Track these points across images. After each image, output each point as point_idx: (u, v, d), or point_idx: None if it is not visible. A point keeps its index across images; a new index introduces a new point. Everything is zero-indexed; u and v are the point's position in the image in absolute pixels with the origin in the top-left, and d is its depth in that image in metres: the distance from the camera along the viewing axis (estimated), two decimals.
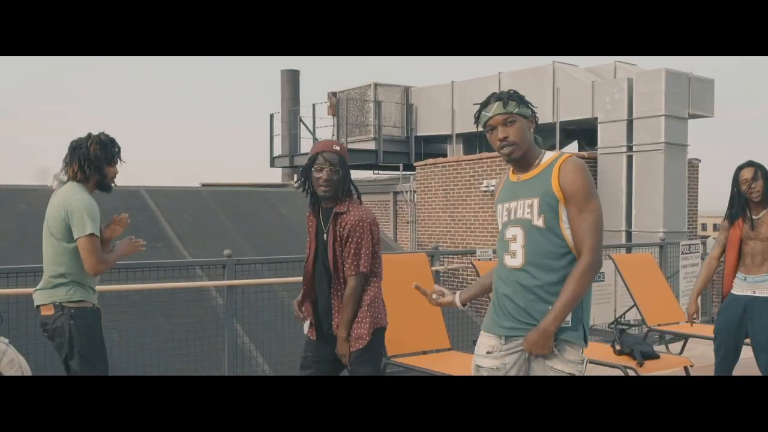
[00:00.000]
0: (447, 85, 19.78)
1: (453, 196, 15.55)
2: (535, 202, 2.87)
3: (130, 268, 5.98)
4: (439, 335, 6.02)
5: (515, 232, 2.93)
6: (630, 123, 15.02)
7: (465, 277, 13.04)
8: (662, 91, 14.45)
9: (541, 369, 2.90)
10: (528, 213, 2.90)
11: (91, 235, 3.78)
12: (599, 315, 8.35)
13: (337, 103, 20.63)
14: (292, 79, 25.75)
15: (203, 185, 19.62)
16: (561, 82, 16.89)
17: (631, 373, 5.36)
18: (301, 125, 22.27)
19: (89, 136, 3.96)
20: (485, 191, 14.57)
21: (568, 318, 2.85)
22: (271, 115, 22.87)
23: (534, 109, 3.02)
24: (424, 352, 5.78)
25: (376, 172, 22.06)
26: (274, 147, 22.80)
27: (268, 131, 22.63)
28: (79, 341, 3.84)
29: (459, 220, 15.51)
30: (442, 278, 7.78)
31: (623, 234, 14.73)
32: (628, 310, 7.93)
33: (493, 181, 14.28)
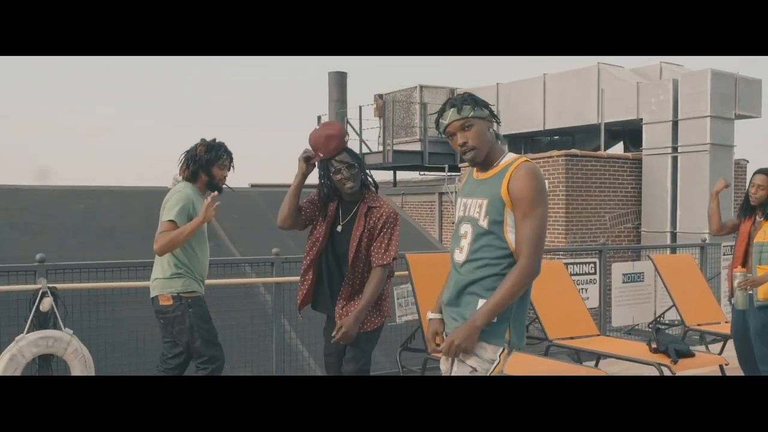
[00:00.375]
0: (492, 87, 19.88)
1: None
2: (485, 203, 2.91)
3: None
4: None
5: (466, 229, 2.97)
6: (675, 124, 14.99)
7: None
8: (708, 92, 14.40)
9: (456, 363, 2.94)
10: (477, 212, 2.94)
11: (169, 221, 4.17)
12: (639, 315, 8.45)
13: (383, 104, 20.87)
14: (339, 81, 26.03)
15: (252, 186, 19.99)
16: (606, 84, 16.90)
17: (665, 370, 5.48)
18: (348, 127, 22.56)
19: (201, 140, 4.39)
20: None
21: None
22: (319, 117, 23.21)
23: (491, 109, 3.04)
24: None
25: (422, 173, 22.25)
26: None
27: None
28: (199, 327, 4.30)
29: None
30: None
31: (668, 235, 14.71)
32: (667, 310, 8.02)
33: None
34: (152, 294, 4.41)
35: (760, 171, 5.18)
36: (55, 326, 5.14)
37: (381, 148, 20.61)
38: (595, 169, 14.44)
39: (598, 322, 7.85)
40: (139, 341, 6.26)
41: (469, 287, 2.92)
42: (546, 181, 14.38)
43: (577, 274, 7.89)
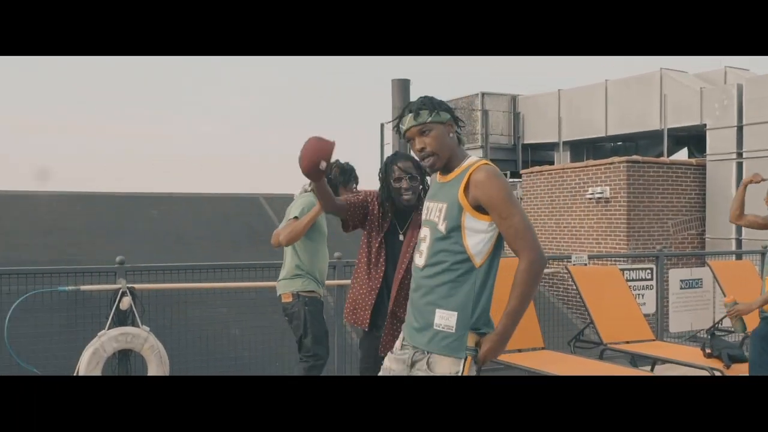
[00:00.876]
0: (554, 94, 19.92)
1: (558, 203, 15.73)
2: (444, 207, 2.87)
3: (247, 268, 6.64)
4: (534, 334, 6.40)
5: (425, 233, 2.94)
6: (740, 129, 14.84)
7: (561, 281, 13.25)
8: None
9: (418, 371, 2.88)
10: (436, 216, 2.89)
11: (294, 218, 4.60)
12: (697, 321, 8.48)
13: None
14: (402, 89, 26.28)
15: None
16: (669, 89, 16.80)
17: (717, 374, 5.60)
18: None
19: (336, 161, 4.81)
20: (590, 198, 14.69)
21: (452, 323, 2.82)
22: (382, 125, 23.51)
23: (453, 113, 2.99)
24: (519, 350, 6.16)
25: None
26: (384, 155, 23.42)
27: (378, 139, 23.27)
28: (311, 324, 4.73)
29: (564, 227, 15.67)
30: None
31: (732, 242, 14.56)
32: (725, 317, 8.05)
33: (599, 189, 14.40)
34: (278, 292, 4.90)
35: None
36: (134, 323, 5.53)
37: None
38: (657, 175, 14.39)
39: (655, 328, 7.92)
40: (209, 340, 6.63)
41: (427, 296, 2.87)
42: (607, 187, 14.35)
43: (633, 280, 7.98)
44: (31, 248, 8.74)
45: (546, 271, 8.25)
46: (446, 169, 2.94)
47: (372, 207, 4.01)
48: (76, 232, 9.58)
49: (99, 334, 5.37)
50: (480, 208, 2.81)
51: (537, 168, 17.09)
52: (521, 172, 18.38)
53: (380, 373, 3.02)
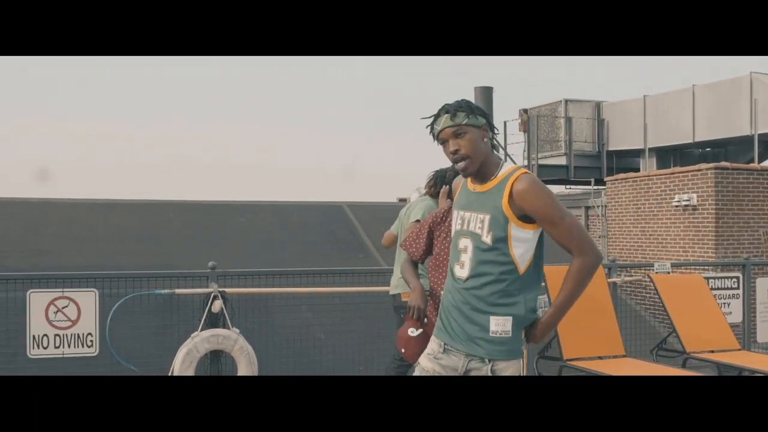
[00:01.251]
0: (639, 100, 19.63)
1: (644, 211, 15.50)
2: (487, 218, 2.83)
3: (331, 274, 6.87)
4: (615, 342, 6.40)
5: (466, 244, 2.90)
6: None
7: (645, 289, 13.07)
8: None
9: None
10: (479, 228, 2.85)
11: (416, 220, 4.85)
12: None
13: (528, 119, 21.03)
14: (485, 96, 26.27)
15: (400, 200, 20.56)
16: (759, 93, 16.37)
17: None
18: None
19: (451, 167, 4.92)
20: (677, 206, 14.44)
21: (509, 328, 2.84)
22: None
23: (488, 118, 2.95)
24: (600, 358, 6.18)
25: (567, 186, 22.19)
26: None
27: None
28: None
29: (650, 235, 15.43)
30: (619, 290, 8.09)
31: None
32: None
33: (686, 196, 14.14)
34: (394, 291, 5.16)
35: None
36: (224, 325, 5.81)
37: (526, 162, 20.76)
38: (747, 182, 14.03)
39: (742, 338, 7.79)
40: (295, 342, 6.88)
41: (478, 306, 2.85)
42: (694, 195, 14.07)
43: (719, 289, 7.87)
44: (129, 254, 9.20)
45: (628, 278, 8.24)
46: (480, 176, 2.91)
47: (433, 225, 3.95)
48: (169, 238, 10.03)
49: (192, 335, 5.66)
50: (525, 218, 2.80)
51: (622, 175, 16.86)
52: (605, 179, 18.17)
53: (418, 374, 3.01)
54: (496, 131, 3.01)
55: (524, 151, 21.19)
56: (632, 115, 19.91)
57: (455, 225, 2.99)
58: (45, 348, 5.53)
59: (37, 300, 5.52)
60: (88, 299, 5.65)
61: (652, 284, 7.15)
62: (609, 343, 6.34)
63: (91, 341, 5.61)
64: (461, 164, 2.88)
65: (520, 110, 21.46)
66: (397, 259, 5.21)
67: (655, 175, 15.56)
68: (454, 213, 3.02)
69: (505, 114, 50.12)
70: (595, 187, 19.50)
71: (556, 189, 23.21)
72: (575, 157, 20.32)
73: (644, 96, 19.57)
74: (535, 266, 2.89)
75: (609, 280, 7.06)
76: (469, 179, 2.98)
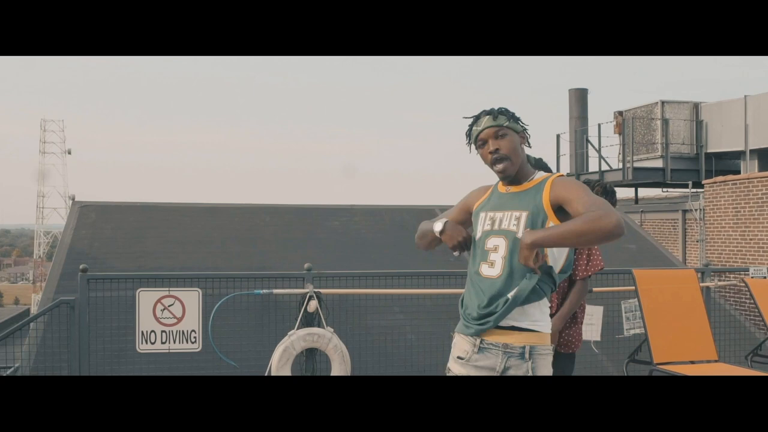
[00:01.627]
0: (740, 100, 19.07)
1: (744, 214, 15.08)
2: (524, 215, 2.84)
3: (423, 276, 7.03)
4: (707, 346, 6.33)
5: (497, 243, 2.88)
6: None
7: (743, 294, 12.71)
8: None
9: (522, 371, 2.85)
10: (514, 225, 2.85)
11: None
12: None
13: (623, 121, 20.70)
14: (580, 98, 26.01)
15: None
16: None
17: None
18: (588, 145, 22.54)
19: (597, 181, 5.05)
20: None
21: (543, 328, 2.86)
22: (558, 135, 23.42)
23: (525, 126, 3.00)
24: (692, 362, 6.13)
25: (664, 189, 21.73)
26: (559, 167, 23.27)
27: (554, 150, 23.20)
28: None
29: (750, 240, 15.00)
30: (716, 294, 7.97)
31: None
32: None
33: None
34: None
35: None
36: (319, 325, 6.05)
37: (621, 165, 20.44)
38: None
39: None
40: (386, 343, 7.07)
41: (511, 305, 2.83)
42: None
43: None
44: (229, 256, 9.60)
45: (722, 283, 8.10)
46: (515, 179, 2.94)
47: None
48: (267, 241, 10.40)
49: (289, 333, 5.92)
50: (560, 211, 2.80)
51: (721, 178, 16.44)
52: (704, 182, 17.73)
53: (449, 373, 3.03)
54: (529, 143, 3.02)
55: (619, 153, 20.87)
56: (732, 116, 19.35)
57: (482, 226, 2.96)
58: (152, 343, 5.88)
59: (146, 298, 5.89)
60: (192, 298, 5.98)
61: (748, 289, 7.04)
62: (701, 347, 6.27)
63: (195, 337, 5.93)
64: (501, 165, 2.90)
65: (614, 112, 21.15)
66: None
67: (756, 178, 15.12)
68: (481, 215, 2.99)
69: (600, 116, 49.24)
70: (693, 190, 19.04)
71: (652, 192, 22.78)
72: (672, 159, 19.87)
73: (745, 96, 19.00)
74: (565, 271, 2.92)
75: (702, 284, 6.98)
76: (498, 184, 3.01)
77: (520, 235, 2.80)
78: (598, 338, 6.29)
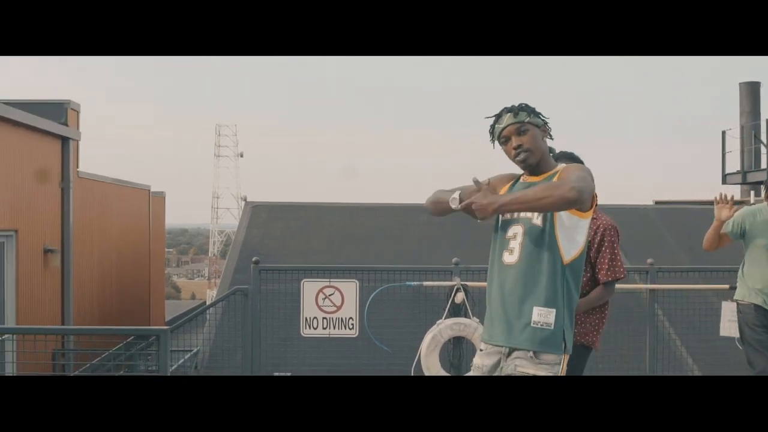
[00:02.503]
0: None
1: None
2: None
3: None
4: None
5: (516, 230, 2.98)
6: None
7: None
8: None
9: (510, 371, 2.92)
10: (530, 212, 2.94)
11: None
12: None
13: None
14: (752, 92, 24.83)
15: (657, 203, 20.06)
16: None
17: None
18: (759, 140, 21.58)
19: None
20: None
21: (551, 320, 2.90)
22: (723, 132, 22.58)
23: (546, 119, 3.06)
24: None
25: None
26: (725, 164, 22.41)
27: (719, 148, 22.35)
28: (743, 331, 5.01)
29: None
30: None
31: None
32: None
33: None
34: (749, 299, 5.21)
35: None
36: (465, 315, 6.46)
37: None
38: None
39: None
40: None
41: (523, 294, 2.93)
42: None
43: None
44: (384, 251, 10.22)
45: None
46: (537, 170, 3.05)
47: None
48: (417, 237, 10.97)
49: (437, 322, 6.37)
50: None
51: None
52: None
53: (473, 372, 3.08)
54: (551, 135, 3.12)
55: None
56: None
57: (503, 216, 3.04)
58: (315, 329, 6.52)
59: (309, 288, 6.53)
60: (350, 288, 6.57)
61: None
62: None
63: (353, 324, 6.52)
64: (522, 155, 3.01)
65: None
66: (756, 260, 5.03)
67: None
68: None
69: None
70: None
71: None
72: None
73: None
74: (580, 265, 3.01)
75: None
76: (524, 174, 3.12)
77: (534, 220, 2.94)
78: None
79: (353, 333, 6.54)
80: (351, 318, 6.52)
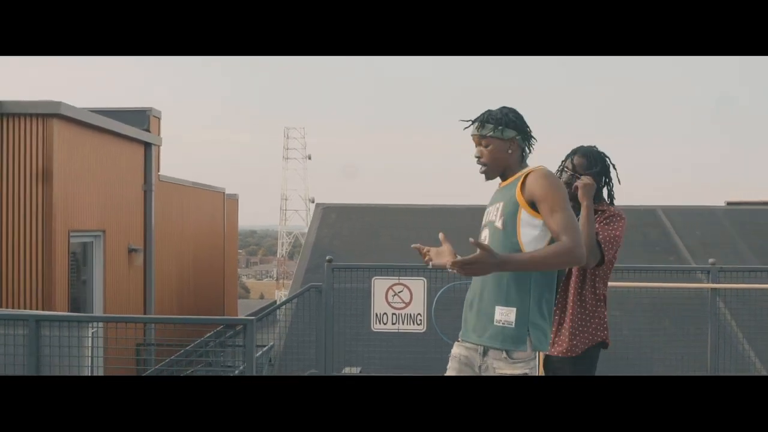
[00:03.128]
0: None
1: None
2: (501, 205, 3.06)
3: (640, 270, 7.45)
4: None
5: (485, 233, 3.11)
6: None
7: None
8: None
9: (490, 373, 2.99)
10: (494, 215, 3.08)
11: None
12: None
13: None
14: None
15: (728, 203, 19.73)
16: None
17: None
18: None
19: None
20: None
21: (512, 318, 2.94)
22: None
23: (525, 131, 3.11)
24: None
25: None
26: None
27: None
28: None
29: None
30: None
31: None
32: None
33: None
34: None
35: None
36: None
37: None
38: None
39: None
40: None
41: (487, 293, 3.02)
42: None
43: None
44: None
45: None
46: (503, 176, 3.15)
47: None
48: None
49: None
50: (534, 205, 2.98)
51: None
52: None
53: (450, 361, 3.17)
54: (531, 143, 3.19)
55: None
56: None
57: (483, 220, 3.20)
58: (384, 324, 6.86)
59: (379, 285, 6.88)
60: (418, 286, 6.89)
61: None
62: None
63: (420, 320, 6.84)
64: (480, 169, 3.14)
65: None
66: None
67: None
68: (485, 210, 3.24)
69: None
70: None
71: None
72: None
73: None
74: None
75: None
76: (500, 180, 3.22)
77: (497, 222, 3.06)
78: None
79: (421, 328, 6.85)
80: (419, 314, 6.84)
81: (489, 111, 3.12)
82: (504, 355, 2.95)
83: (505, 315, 2.95)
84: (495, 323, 2.96)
